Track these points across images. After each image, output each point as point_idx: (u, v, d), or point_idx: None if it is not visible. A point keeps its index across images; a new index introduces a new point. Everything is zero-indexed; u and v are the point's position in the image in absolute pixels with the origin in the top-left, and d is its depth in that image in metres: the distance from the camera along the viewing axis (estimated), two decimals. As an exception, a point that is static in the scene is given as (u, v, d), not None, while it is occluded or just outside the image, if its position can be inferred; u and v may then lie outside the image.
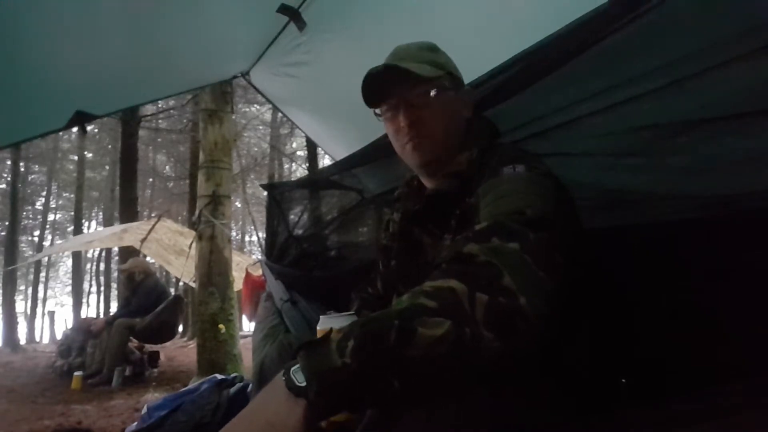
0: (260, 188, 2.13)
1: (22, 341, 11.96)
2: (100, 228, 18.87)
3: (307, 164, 11.73)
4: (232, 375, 2.23)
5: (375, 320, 0.54)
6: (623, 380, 0.85)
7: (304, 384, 0.50)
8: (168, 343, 5.43)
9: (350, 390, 0.50)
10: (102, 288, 19.51)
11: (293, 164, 15.74)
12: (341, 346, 0.51)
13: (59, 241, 20.85)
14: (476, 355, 0.53)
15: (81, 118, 1.84)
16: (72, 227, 17.79)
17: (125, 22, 1.57)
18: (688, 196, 1.02)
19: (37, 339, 17.02)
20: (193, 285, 4.34)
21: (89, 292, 21.96)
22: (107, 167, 17.43)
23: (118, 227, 7.14)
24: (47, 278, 22.87)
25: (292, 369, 0.52)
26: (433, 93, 0.83)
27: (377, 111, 0.90)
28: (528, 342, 0.56)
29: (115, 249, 11.71)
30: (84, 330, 4.52)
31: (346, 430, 0.77)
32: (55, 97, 1.75)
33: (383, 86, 0.85)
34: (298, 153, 15.35)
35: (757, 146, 0.86)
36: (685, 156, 0.96)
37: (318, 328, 0.85)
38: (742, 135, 0.87)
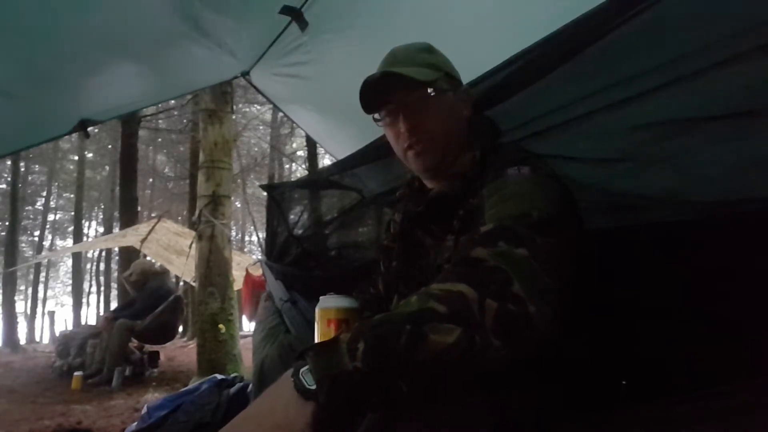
0: (260, 188, 2.13)
1: (22, 341, 11.97)
2: (101, 228, 18.92)
3: (307, 164, 11.73)
4: (232, 375, 2.23)
5: (385, 322, 0.53)
6: (623, 382, 0.85)
7: (313, 387, 0.50)
8: (168, 343, 5.43)
9: (360, 393, 0.50)
10: (102, 288, 19.50)
11: (293, 164, 15.74)
12: (351, 348, 0.51)
13: (59, 242, 20.89)
14: (484, 362, 0.53)
15: (84, 124, 1.89)
16: (72, 227, 17.80)
17: (129, 29, 1.58)
18: (687, 201, 1.02)
19: (37, 339, 17.03)
20: (194, 284, 4.34)
21: (89, 292, 21.98)
22: (107, 167, 17.43)
23: (117, 233, 7.15)
24: (47, 278, 22.87)
25: (301, 371, 0.51)
26: (431, 96, 0.82)
27: (376, 116, 0.89)
28: (532, 348, 0.56)
29: (116, 249, 11.71)
30: (91, 333, 4.55)
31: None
32: (61, 107, 1.82)
33: (381, 92, 0.84)
34: (298, 153, 15.35)
35: (757, 148, 0.86)
36: (685, 158, 0.96)
37: (318, 308, 0.86)
38: (742, 136, 0.87)
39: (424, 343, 0.50)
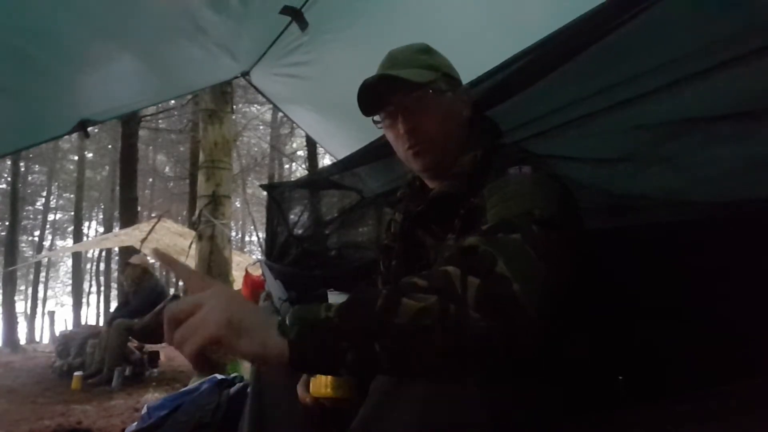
0: (260, 188, 2.14)
1: (22, 341, 11.97)
2: (101, 228, 18.94)
3: (307, 164, 11.74)
4: (232, 375, 2.23)
5: (366, 292, 0.56)
6: (620, 377, 0.85)
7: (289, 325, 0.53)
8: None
9: (330, 341, 0.51)
10: (102, 288, 19.50)
11: (293, 164, 15.76)
12: (329, 306, 0.54)
13: (59, 242, 20.90)
14: (462, 334, 0.53)
15: (84, 124, 1.89)
16: (72, 227, 17.81)
17: (129, 26, 1.58)
18: (687, 201, 1.02)
19: (37, 339, 17.00)
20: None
21: (89, 292, 21.98)
22: (107, 167, 17.45)
23: (118, 232, 7.16)
24: (47, 278, 22.86)
25: (287, 315, 0.54)
26: (429, 96, 0.83)
27: (376, 118, 0.90)
28: (519, 328, 0.55)
29: (116, 249, 11.72)
30: (91, 333, 4.56)
31: (336, 416, 0.78)
32: (61, 106, 1.83)
33: (379, 95, 0.85)
34: (298, 153, 15.36)
35: (757, 148, 0.86)
36: (685, 158, 0.96)
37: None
38: (743, 136, 0.87)
39: (398, 306, 0.52)
